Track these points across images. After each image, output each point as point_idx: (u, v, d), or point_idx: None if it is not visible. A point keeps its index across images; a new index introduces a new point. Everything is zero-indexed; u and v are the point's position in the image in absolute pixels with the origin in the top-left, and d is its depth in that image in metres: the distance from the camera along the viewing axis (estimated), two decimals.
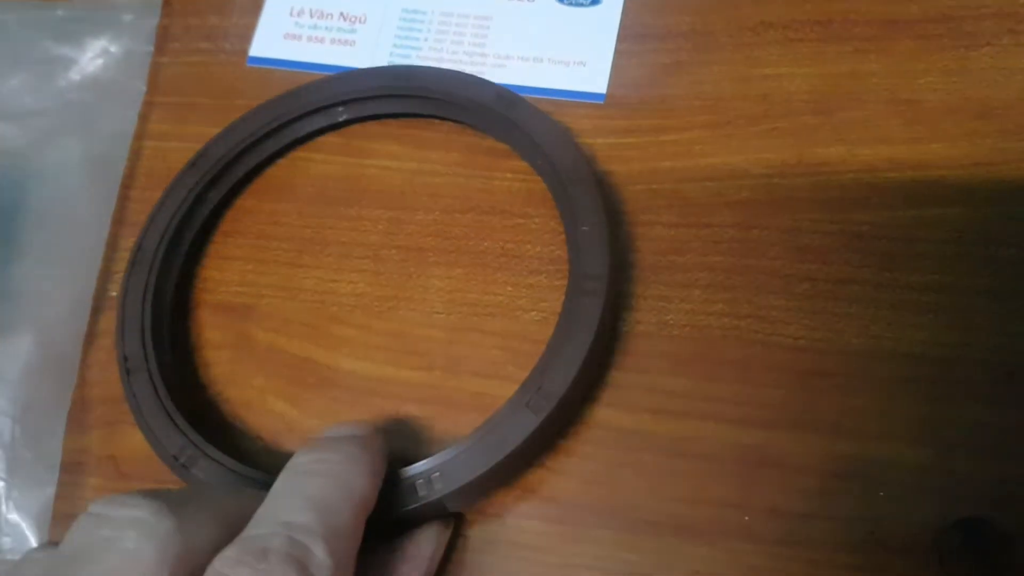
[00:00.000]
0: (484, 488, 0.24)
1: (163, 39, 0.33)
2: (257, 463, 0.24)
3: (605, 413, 0.25)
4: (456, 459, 0.23)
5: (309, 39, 0.32)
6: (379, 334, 0.27)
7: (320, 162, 0.30)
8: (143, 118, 0.32)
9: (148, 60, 0.33)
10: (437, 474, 0.22)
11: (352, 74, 0.30)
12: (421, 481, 0.22)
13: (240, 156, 0.29)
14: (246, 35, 0.33)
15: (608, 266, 0.24)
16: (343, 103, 0.29)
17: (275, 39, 0.32)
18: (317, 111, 0.29)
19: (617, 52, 0.29)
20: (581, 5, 0.30)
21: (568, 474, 0.24)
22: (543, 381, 0.23)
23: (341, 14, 0.32)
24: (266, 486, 0.20)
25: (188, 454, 0.24)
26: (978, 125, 0.26)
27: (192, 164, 0.29)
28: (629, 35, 0.30)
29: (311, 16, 0.32)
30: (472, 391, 0.26)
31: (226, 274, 0.29)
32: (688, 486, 0.24)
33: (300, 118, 0.29)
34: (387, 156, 0.30)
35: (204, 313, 0.29)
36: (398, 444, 0.25)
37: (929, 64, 0.27)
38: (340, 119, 0.30)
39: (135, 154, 0.31)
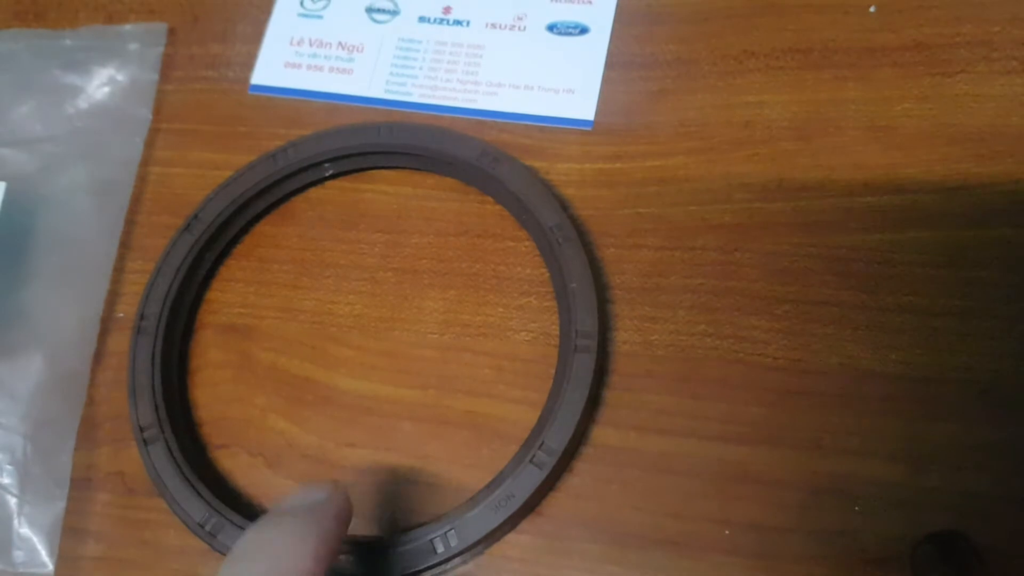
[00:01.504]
0: (493, 539, 0.25)
1: (168, 67, 0.34)
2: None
3: (593, 431, 0.26)
4: (469, 517, 0.24)
5: (309, 67, 0.33)
6: (375, 354, 0.28)
7: (319, 187, 0.31)
8: (149, 144, 0.33)
9: (154, 88, 0.33)
10: (451, 531, 0.24)
11: (337, 131, 0.30)
12: (438, 538, 0.24)
13: (232, 217, 0.30)
14: (248, 63, 0.33)
15: (598, 322, 0.25)
16: (330, 160, 0.30)
17: (276, 68, 0.33)
18: (304, 169, 0.30)
19: (605, 80, 0.30)
20: (570, 34, 0.31)
21: (557, 489, 0.25)
22: (544, 438, 0.24)
23: (340, 43, 0.33)
24: None
25: (213, 522, 0.25)
26: (952, 150, 0.27)
27: (186, 228, 0.29)
28: (616, 63, 0.31)
29: (311, 45, 0.33)
30: (464, 409, 0.27)
31: (228, 296, 0.30)
32: (672, 501, 0.25)
33: (288, 177, 0.30)
34: (383, 181, 0.31)
35: (207, 334, 0.30)
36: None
37: (905, 91, 0.28)
38: (327, 175, 0.30)
39: (141, 180, 0.32)
